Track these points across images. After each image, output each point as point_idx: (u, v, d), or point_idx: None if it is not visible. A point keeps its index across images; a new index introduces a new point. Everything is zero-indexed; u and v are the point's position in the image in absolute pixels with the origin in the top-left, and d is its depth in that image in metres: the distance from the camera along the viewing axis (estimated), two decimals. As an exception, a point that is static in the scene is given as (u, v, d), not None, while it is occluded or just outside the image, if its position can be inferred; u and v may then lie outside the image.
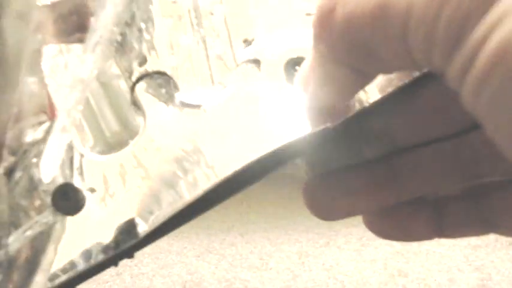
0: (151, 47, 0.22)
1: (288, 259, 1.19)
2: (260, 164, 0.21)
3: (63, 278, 0.22)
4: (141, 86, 0.22)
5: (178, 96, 0.22)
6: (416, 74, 0.20)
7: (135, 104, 0.22)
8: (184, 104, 0.22)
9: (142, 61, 0.22)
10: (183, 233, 1.22)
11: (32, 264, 0.21)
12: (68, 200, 0.21)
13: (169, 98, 0.22)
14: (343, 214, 0.23)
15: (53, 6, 0.23)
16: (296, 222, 1.34)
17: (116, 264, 0.23)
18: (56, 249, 0.21)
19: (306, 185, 0.23)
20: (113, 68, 0.22)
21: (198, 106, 0.22)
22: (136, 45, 0.22)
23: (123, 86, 0.22)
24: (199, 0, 0.22)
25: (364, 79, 0.18)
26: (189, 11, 0.22)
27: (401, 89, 0.20)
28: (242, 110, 0.21)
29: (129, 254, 0.23)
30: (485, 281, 1.11)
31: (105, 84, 0.23)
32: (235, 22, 0.22)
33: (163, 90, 0.22)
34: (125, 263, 1.18)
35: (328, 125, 0.20)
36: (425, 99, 0.21)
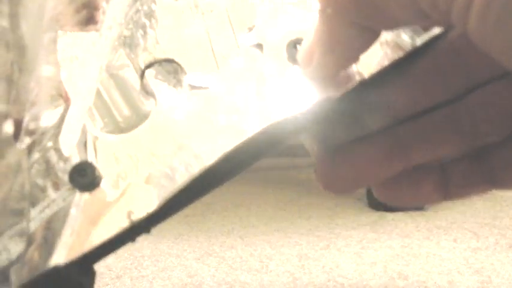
0: (156, 43, 0.23)
1: (288, 262, 1.19)
2: (267, 135, 0.21)
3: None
4: (151, 73, 0.23)
5: (186, 80, 0.23)
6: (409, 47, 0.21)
7: (145, 89, 0.23)
8: (192, 87, 0.23)
9: (149, 56, 0.23)
10: (182, 235, 1.22)
11: (49, 245, 0.22)
12: (85, 176, 0.22)
13: (177, 83, 0.23)
14: (354, 186, 0.23)
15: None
16: (296, 225, 1.34)
17: (133, 239, 0.23)
18: (71, 234, 0.22)
19: (317, 160, 0.23)
20: (122, 59, 0.23)
21: (205, 88, 0.22)
22: (141, 41, 0.23)
23: (133, 74, 0.23)
24: None
25: (371, 37, 0.19)
26: (190, 8, 0.23)
27: (398, 62, 0.21)
28: (248, 88, 0.22)
29: (146, 228, 0.23)
30: (485, 284, 1.11)
31: (114, 74, 0.23)
32: (237, 12, 0.23)
33: (171, 76, 0.23)
34: (124, 265, 1.17)
35: (331, 95, 0.20)
36: (422, 69, 0.22)
